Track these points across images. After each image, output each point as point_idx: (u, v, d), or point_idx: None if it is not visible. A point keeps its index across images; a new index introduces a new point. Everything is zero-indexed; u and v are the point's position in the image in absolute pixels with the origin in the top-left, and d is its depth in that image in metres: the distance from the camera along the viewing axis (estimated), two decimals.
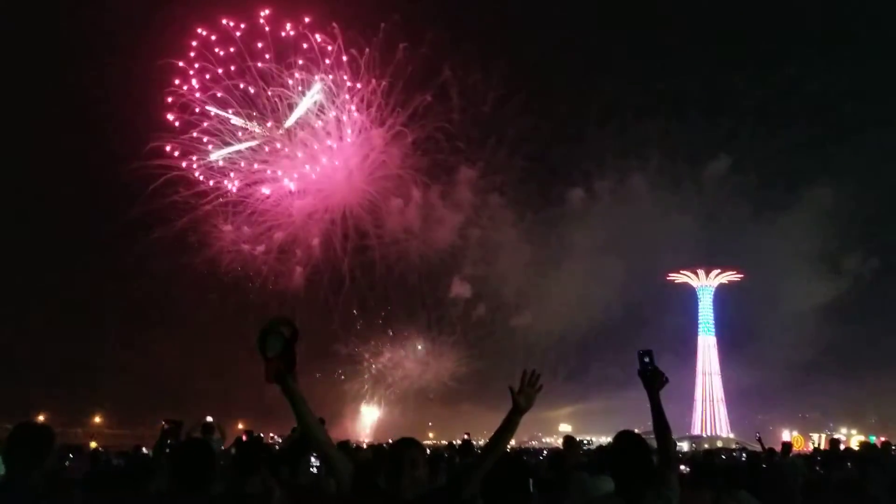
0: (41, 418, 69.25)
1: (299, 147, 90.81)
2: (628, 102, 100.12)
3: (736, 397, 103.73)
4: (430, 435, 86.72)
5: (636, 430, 5.18)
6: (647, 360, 5.06)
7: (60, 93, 79.91)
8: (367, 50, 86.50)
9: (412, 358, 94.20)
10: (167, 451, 8.44)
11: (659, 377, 4.98)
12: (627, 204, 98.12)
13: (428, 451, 17.05)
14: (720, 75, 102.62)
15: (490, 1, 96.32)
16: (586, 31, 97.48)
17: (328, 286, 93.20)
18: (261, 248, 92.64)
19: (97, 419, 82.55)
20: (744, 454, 22.60)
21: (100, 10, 76.50)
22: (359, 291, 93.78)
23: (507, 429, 4.60)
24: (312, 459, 10.32)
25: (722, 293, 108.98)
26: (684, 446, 72.94)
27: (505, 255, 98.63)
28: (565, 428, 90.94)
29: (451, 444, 16.03)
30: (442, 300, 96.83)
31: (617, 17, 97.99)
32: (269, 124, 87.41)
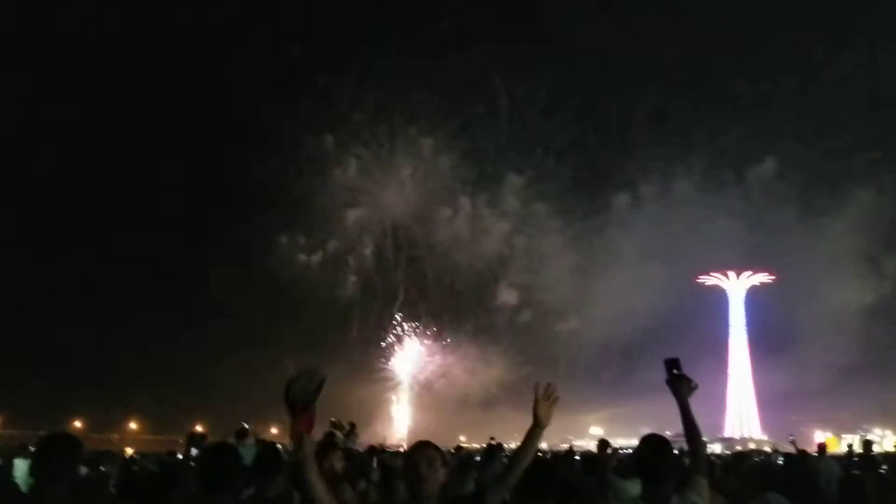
0: (77, 424, 70.25)
1: (352, 157, 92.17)
2: (675, 107, 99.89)
3: (769, 400, 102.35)
4: (462, 438, 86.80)
5: (667, 433, 5.19)
6: (673, 368, 5.05)
7: None
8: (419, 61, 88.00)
9: (460, 366, 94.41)
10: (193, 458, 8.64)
11: (686, 384, 4.97)
12: (673, 209, 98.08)
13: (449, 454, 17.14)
14: (767, 77, 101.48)
15: (538, 9, 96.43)
16: (632, 36, 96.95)
17: (381, 295, 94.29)
18: (316, 258, 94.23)
19: (133, 425, 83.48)
20: (780, 457, 22.32)
21: None
22: (410, 300, 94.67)
23: (530, 444, 4.69)
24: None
25: (756, 296, 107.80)
26: (716, 449, 72.23)
27: (551, 262, 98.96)
28: (597, 431, 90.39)
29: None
30: (489, 308, 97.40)
31: (662, 22, 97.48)
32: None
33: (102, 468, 16.05)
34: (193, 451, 10.53)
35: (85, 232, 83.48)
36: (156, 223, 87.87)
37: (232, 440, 13.41)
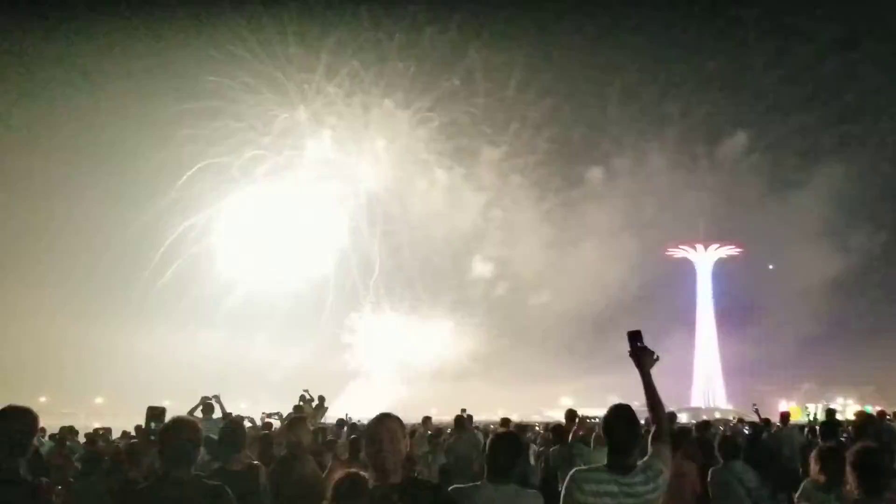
0: (42, 400, 69.59)
1: (326, 129, 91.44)
2: (648, 82, 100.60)
3: (736, 370, 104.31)
4: (434, 411, 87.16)
5: (636, 403, 5.23)
6: (636, 340, 5.07)
7: None
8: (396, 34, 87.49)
9: (435, 339, 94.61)
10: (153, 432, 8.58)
11: (649, 356, 5.01)
12: (644, 182, 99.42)
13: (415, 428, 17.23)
14: (741, 54, 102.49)
15: None
16: (607, 10, 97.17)
17: (357, 270, 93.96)
18: None
19: (98, 400, 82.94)
20: (746, 426, 22.82)
21: None
22: (386, 275, 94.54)
23: None
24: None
25: (725, 268, 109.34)
26: (683, 418, 73.39)
27: (526, 235, 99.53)
28: (566, 402, 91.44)
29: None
30: (464, 281, 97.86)
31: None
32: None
33: (68, 442, 15.96)
34: (153, 426, 10.49)
35: (65, 211, 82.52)
36: (123, 199, 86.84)
37: (198, 414, 13.36)
